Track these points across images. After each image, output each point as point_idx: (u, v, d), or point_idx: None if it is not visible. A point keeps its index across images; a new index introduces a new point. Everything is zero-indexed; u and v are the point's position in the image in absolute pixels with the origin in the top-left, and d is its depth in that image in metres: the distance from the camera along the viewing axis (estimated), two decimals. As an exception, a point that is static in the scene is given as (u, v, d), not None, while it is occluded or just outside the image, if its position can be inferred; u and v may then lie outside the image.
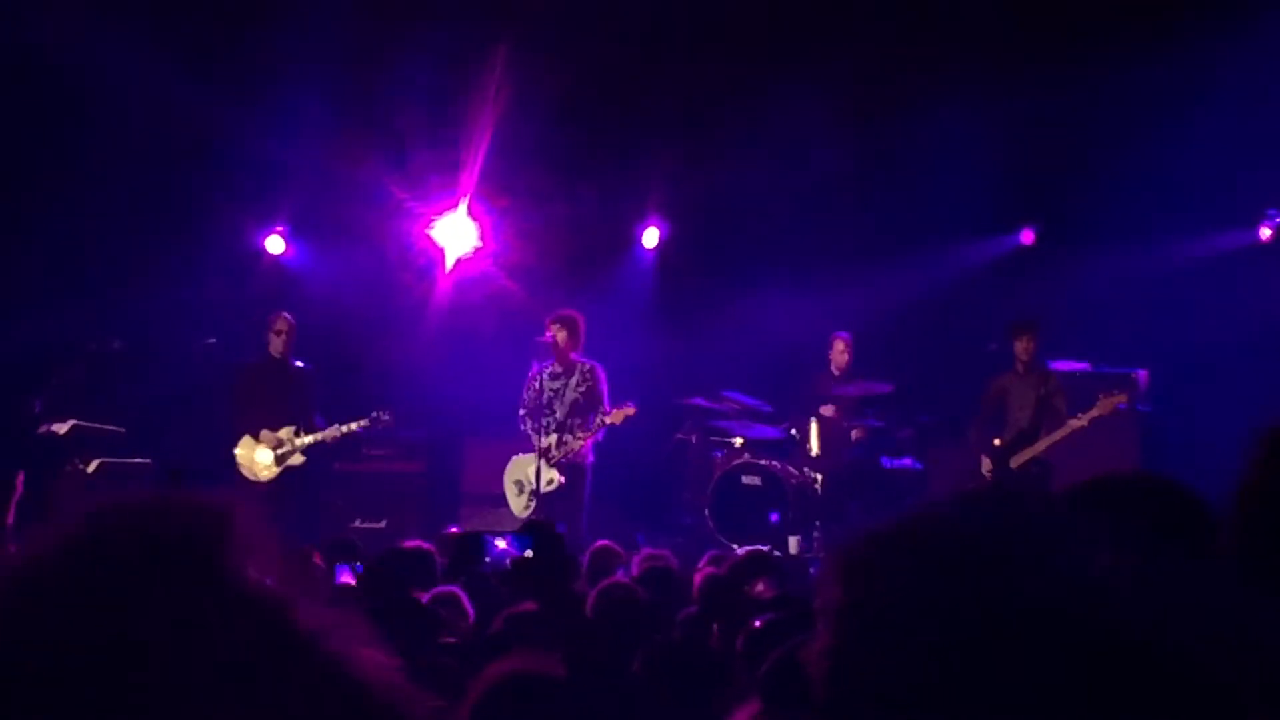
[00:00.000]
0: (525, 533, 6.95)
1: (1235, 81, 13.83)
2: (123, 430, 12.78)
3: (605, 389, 12.52)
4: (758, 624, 5.37)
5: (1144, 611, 1.21)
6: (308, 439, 12.65)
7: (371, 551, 8.90)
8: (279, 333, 12.82)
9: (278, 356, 12.83)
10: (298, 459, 12.65)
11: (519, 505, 12.59)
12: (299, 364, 12.97)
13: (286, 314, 12.94)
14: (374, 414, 12.61)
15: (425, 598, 7.04)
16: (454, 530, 11.85)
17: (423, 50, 14.22)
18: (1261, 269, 14.52)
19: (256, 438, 12.68)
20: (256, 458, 12.63)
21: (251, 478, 12.54)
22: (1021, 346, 12.68)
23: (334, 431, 12.65)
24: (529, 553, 6.50)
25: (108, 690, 1.03)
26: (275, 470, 12.61)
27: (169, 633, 1.05)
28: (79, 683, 1.03)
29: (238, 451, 12.66)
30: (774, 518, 13.16)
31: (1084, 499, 2.18)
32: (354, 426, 12.65)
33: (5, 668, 1.04)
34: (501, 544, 7.05)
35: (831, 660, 1.27)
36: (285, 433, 12.64)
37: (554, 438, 12.46)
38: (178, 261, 14.45)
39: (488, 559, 7.02)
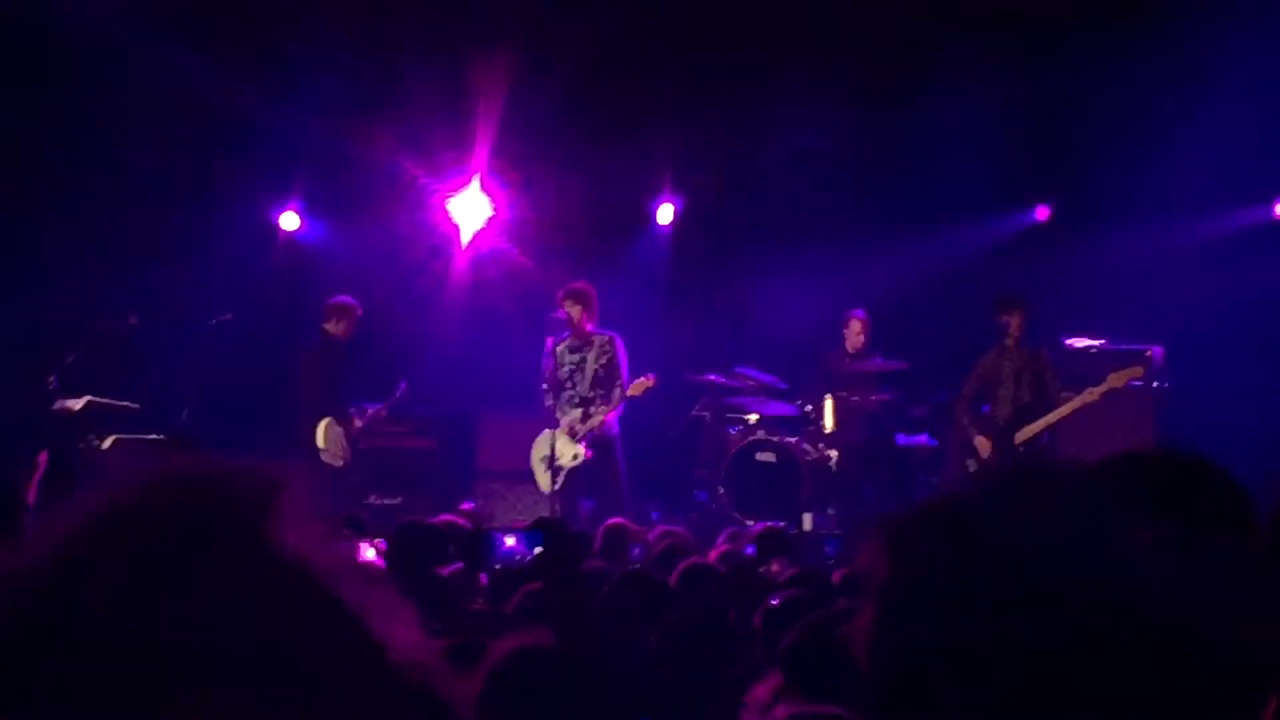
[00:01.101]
0: (535, 529, 6.95)
1: (1252, 57, 13.77)
2: (137, 406, 12.79)
3: (624, 359, 12.50)
4: (775, 601, 5.39)
5: (1179, 593, 1.21)
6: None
7: (383, 527, 8.86)
8: (354, 321, 13.05)
9: (340, 339, 13.02)
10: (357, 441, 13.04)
11: (546, 481, 12.47)
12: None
13: (353, 299, 13.16)
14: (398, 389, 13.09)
15: (445, 572, 7.04)
16: (468, 506, 11.86)
17: (437, 26, 14.21)
18: (1278, 245, 14.47)
19: (338, 420, 12.93)
20: (340, 439, 12.90)
21: (337, 462, 12.81)
22: (1013, 322, 12.56)
23: (382, 409, 13.09)
24: (538, 549, 6.53)
25: (145, 666, 1.02)
26: (350, 454, 12.92)
27: (209, 607, 1.04)
28: (115, 659, 1.02)
29: (321, 437, 12.84)
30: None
31: (1112, 475, 2.17)
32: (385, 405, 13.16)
33: (40, 648, 1.03)
34: (510, 541, 7.02)
35: (874, 636, 1.27)
36: (351, 413, 12.99)
37: (578, 412, 12.43)
38: (192, 237, 14.46)
39: (498, 557, 6.99)
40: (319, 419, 12.85)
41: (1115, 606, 1.19)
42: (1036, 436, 12.37)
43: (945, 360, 13.64)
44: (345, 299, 13.13)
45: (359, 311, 13.10)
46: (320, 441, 12.79)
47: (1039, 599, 1.20)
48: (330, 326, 13.02)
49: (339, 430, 12.86)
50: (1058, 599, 1.19)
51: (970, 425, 12.74)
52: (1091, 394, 12.08)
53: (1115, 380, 12.03)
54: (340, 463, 12.80)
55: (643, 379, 12.29)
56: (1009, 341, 12.57)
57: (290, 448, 12.68)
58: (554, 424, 12.46)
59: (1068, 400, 12.24)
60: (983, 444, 12.58)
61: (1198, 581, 1.24)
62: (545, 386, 12.60)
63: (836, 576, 6.72)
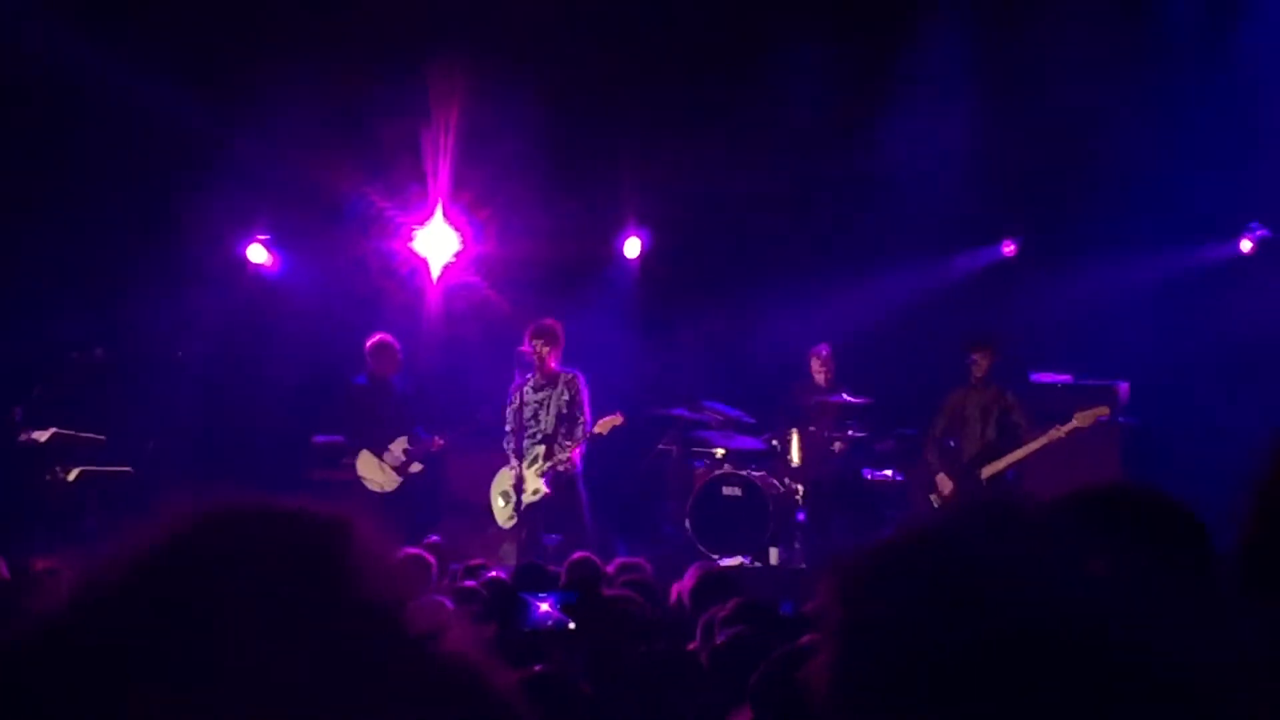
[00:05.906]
0: (569, 589, 6.91)
1: (1217, 93, 13.89)
2: (103, 439, 12.75)
3: (586, 397, 12.58)
4: (720, 640, 5.38)
5: (1137, 624, 1.22)
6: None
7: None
8: (394, 356, 13.34)
9: (384, 376, 13.28)
10: (416, 466, 13.25)
11: (504, 516, 12.67)
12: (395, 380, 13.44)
13: (389, 337, 13.42)
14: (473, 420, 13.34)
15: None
16: (434, 540, 11.81)
17: (403, 60, 14.24)
18: (1242, 281, 14.55)
19: (376, 453, 13.20)
20: (379, 469, 13.21)
21: (383, 488, 13.13)
22: (980, 361, 12.63)
23: (439, 440, 13.26)
24: (572, 626, 6.51)
25: (223, 693, 1.03)
26: (398, 480, 13.14)
27: (286, 639, 1.07)
28: (189, 684, 1.03)
29: (360, 467, 13.22)
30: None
31: (1070, 510, 2.19)
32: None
33: (120, 672, 1.03)
34: (544, 607, 6.89)
35: (832, 676, 1.27)
36: (398, 444, 13.18)
37: (541, 449, 12.49)
38: (160, 271, 14.40)
39: (530, 621, 6.87)
40: (358, 452, 13.23)
41: (1072, 636, 1.20)
42: (1001, 473, 12.42)
43: (912, 395, 13.68)
44: (383, 337, 13.39)
45: (396, 345, 13.34)
46: (361, 471, 13.18)
47: (996, 631, 1.20)
48: (374, 364, 13.28)
49: (376, 461, 13.18)
50: (1014, 630, 1.20)
51: (935, 463, 12.79)
52: (1058, 432, 12.12)
53: (1082, 420, 12.07)
54: (383, 489, 13.13)
55: (610, 417, 12.34)
56: (975, 379, 12.64)
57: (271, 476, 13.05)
58: (514, 461, 12.54)
59: (1033, 437, 12.29)
60: (944, 481, 12.65)
61: (1153, 609, 1.25)
62: (509, 427, 12.66)
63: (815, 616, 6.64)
